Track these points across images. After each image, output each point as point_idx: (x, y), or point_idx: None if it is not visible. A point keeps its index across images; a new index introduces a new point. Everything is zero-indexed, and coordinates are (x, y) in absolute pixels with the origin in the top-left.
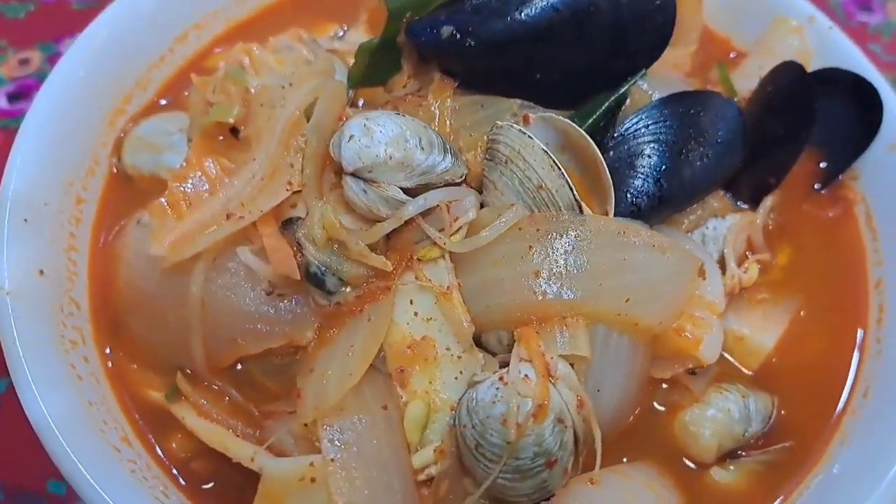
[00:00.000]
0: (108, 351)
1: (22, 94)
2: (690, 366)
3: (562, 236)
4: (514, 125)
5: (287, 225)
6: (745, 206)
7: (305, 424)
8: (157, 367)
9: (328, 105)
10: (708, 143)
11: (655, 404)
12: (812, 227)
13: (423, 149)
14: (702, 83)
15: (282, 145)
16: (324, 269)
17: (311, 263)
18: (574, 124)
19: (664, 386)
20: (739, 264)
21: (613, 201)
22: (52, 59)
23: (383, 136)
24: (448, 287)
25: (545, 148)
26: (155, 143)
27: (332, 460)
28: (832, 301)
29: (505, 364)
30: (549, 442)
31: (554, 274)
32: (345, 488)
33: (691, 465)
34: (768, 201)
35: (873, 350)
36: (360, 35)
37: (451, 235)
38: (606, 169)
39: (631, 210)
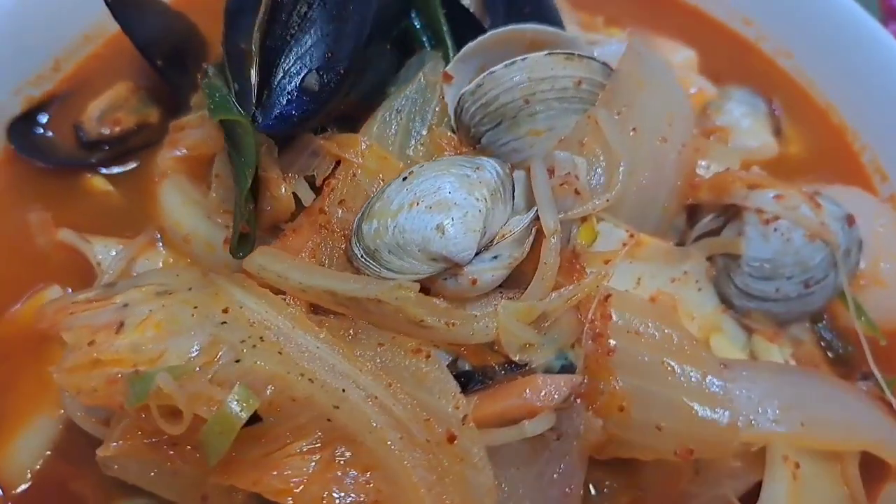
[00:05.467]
0: None
1: None
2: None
3: (636, 96)
4: (493, 68)
5: (467, 383)
6: None
7: None
8: None
9: (301, 266)
10: None
11: None
12: None
13: (478, 168)
14: None
15: (338, 346)
16: (560, 355)
17: (550, 365)
18: (496, 30)
19: None
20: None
21: (585, 48)
22: None
23: (458, 193)
24: (630, 234)
25: (545, 52)
26: None
27: None
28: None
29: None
30: (835, 208)
31: (667, 124)
32: None
33: None
34: None
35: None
36: (103, 243)
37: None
38: (559, 31)
39: None
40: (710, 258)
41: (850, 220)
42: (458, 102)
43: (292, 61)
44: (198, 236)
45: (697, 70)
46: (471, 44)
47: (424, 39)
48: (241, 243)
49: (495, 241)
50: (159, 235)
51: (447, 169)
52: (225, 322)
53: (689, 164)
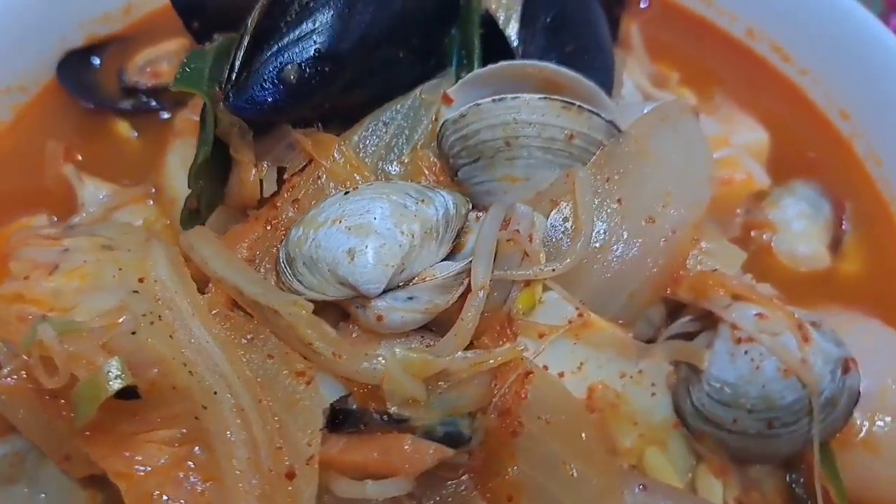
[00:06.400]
0: None
1: None
2: (746, 205)
3: (634, 164)
4: (480, 101)
5: (344, 422)
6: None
7: None
8: None
9: (224, 256)
10: (586, 4)
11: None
12: (653, 34)
13: (423, 200)
14: None
15: (228, 347)
16: (449, 420)
17: (433, 428)
18: (511, 62)
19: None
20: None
21: (612, 104)
22: None
23: (384, 221)
24: (579, 313)
25: (541, 95)
26: None
27: None
28: (740, 73)
29: (679, 336)
30: (831, 347)
31: (661, 205)
32: None
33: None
34: (635, 31)
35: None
36: (94, 186)
37: (541, 261)
38: (582, 77)
39: None
40: (676, 363)
41: (845, 367)
42: (440, 129)
43: (279, 48)
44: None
45: (767, 155)
46: (479, 70)
47: (455, 58)
48: (189, 218)
49: (414, 282)
50: (154, 191)
51: (388, 194)
52: (137, 291)
53: (676, 255)
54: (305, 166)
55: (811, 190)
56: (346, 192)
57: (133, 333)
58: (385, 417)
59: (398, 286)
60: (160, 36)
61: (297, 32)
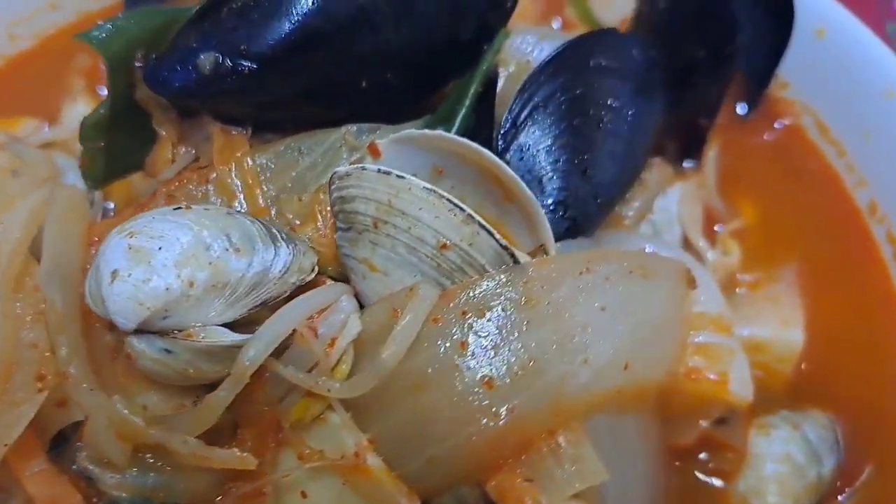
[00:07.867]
0: None
1: None
2: (717, 414)
3: (506, 309)
4: (367, 166)
5: (59, 449)
6: (687, 167)
7: None
8: None
9: (63, 228)
10: (623, 101)
11: (699, 475)
12: (762, 164)
13: (238, 250)
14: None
15: (7, 320)
16: (143, 501)
17: (119, 502)
18: (448, 135)
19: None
20: (711, 245)
21: (547, 226)
22: None
23: (168, 254)
24: (356, 452)
25: (429, 186)
26: None
27: None
28: (833, 251)
29: None
30: None
31: (514, 372)
32: None
33: None
34: (711, 151)
35: None
36: (85, 108)
37: (333, 371)
38: (521, 182)
39: (567, 228)
40: None
41: None
42: (329, 179)
43: (208, 33)
44: None
45: (793, 363)
46: (414, 132)
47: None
48: (85, 177)
49: (178, 335)
50: None
51: (204, 227)
52: None
53: (505, 439)
54: (209, 165)
55: (825, 432)
56: (178, 208)
57: None
58: (80, 469)
59: (160, 332)
60: None
61: (234, 22)
